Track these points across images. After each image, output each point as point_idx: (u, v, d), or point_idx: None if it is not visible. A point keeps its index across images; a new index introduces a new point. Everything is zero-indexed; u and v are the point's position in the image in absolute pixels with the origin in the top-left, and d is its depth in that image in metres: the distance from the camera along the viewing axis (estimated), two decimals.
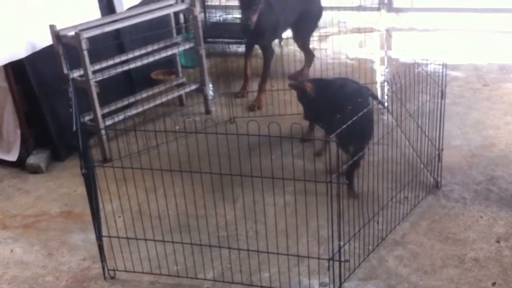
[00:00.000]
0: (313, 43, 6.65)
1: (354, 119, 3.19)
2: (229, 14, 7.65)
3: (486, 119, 5.03)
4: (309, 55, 6.03)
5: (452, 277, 3.36)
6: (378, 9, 7.56)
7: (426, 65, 4.17)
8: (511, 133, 4.77)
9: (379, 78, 5.93)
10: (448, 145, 4.39)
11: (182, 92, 5.48)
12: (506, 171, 4.28)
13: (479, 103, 5.32)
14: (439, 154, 4.05)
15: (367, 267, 3.46)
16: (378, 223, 3.71)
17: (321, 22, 6.08)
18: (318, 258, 3.36)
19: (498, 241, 3.62)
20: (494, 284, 3.30)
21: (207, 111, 5.48)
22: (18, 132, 4.73)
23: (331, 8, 6.08)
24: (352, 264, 3.42)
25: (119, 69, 4.80)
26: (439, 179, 4.11)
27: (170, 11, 5.14)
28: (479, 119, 5.03)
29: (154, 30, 5.14)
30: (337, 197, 3.00)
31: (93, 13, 5.14)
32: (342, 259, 3.20)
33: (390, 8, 7.58)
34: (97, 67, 4.64)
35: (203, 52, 5.29)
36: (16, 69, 4.56)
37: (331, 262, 3.21)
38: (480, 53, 6.40)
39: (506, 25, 7.10)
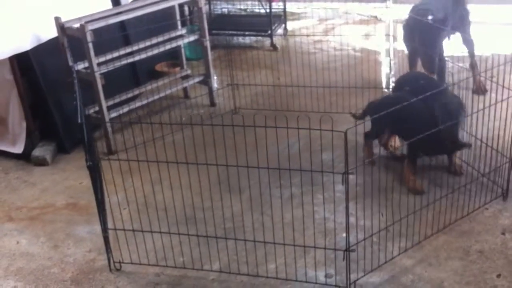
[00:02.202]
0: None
1: None
2: (233, 6, 7.64)
3: (491, 111, 4.98)
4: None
5: (456, 269, 3.35)
6: (384, 0, 7.52)
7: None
8: None
9: (385, 70, 5.90)
10: None
11: (186, 84, 5.48)
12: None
13: (484, 95, 5.28)
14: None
15: (372, 259, 3.46)
16: (383, 214, 3.71)
17: (326, 14, 6.03)
18: (325, 248, 3.36)
19: (503, 233, 3.61)
20: (499, 276, 3.29)
21: (212, 103, 5.48)
22: (24, 124, 4.74)
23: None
24: (358, 255, 3.42)
25: (124, 61, 4.80)
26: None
27: (175, 3, 5.13)
28: (484, 111, 4.98)
29: (159, 22, 5.13)
30: (345, 189, 2.99)
31: (103, 3, 5.12)
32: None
33: None
34: (102, 59, 4.64)
35: (207, 44, 5.28)
36: (21, 61, 4.56)
37: (337, 253, 3.22)
38: (486, 45, 6.36)
39: None
